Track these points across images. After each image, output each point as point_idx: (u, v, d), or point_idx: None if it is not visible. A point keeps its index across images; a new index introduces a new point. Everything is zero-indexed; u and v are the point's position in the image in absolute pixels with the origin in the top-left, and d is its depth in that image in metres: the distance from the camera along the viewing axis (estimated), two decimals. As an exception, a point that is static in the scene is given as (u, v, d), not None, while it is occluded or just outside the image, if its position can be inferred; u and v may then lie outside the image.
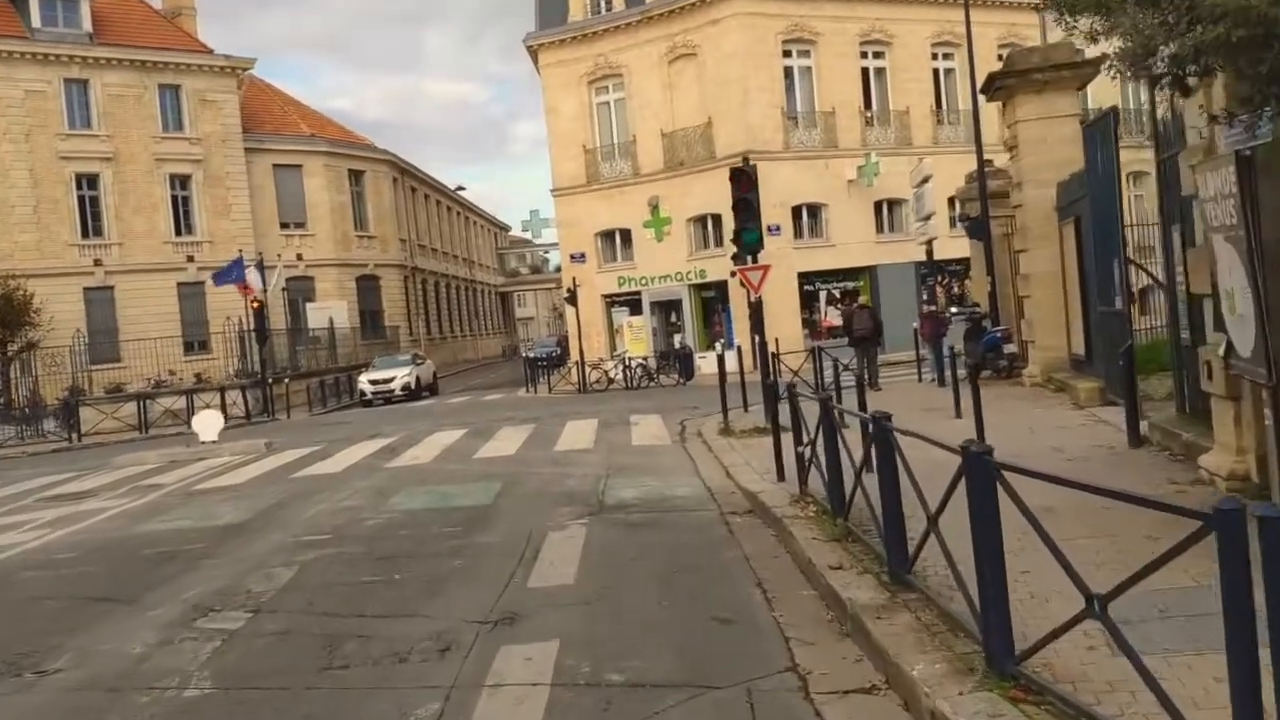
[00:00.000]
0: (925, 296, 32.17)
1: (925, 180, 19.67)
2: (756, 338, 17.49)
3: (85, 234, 40.57)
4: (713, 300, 32.52)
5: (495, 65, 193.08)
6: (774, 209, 30.01)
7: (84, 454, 22.32)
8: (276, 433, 23.50)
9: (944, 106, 34.38)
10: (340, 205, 47.78)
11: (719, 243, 31.59)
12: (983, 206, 20.79)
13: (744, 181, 15.91)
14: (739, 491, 10.86)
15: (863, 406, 11.12)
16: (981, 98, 19.23)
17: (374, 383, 34.46)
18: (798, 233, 31.46)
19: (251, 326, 33.75)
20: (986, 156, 21.21)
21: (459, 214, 65.90)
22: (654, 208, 32.23)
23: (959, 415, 13.84)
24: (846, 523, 7.73)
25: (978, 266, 22.69)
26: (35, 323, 36.32)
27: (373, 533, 9.72)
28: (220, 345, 38.85)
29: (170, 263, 42.03)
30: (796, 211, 31.36)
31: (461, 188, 54.77)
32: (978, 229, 21.66)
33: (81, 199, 40.52)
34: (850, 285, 32.46)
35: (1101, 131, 12.64)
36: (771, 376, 16.19)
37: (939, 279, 33.51)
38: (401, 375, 34.56)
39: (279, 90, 50.04)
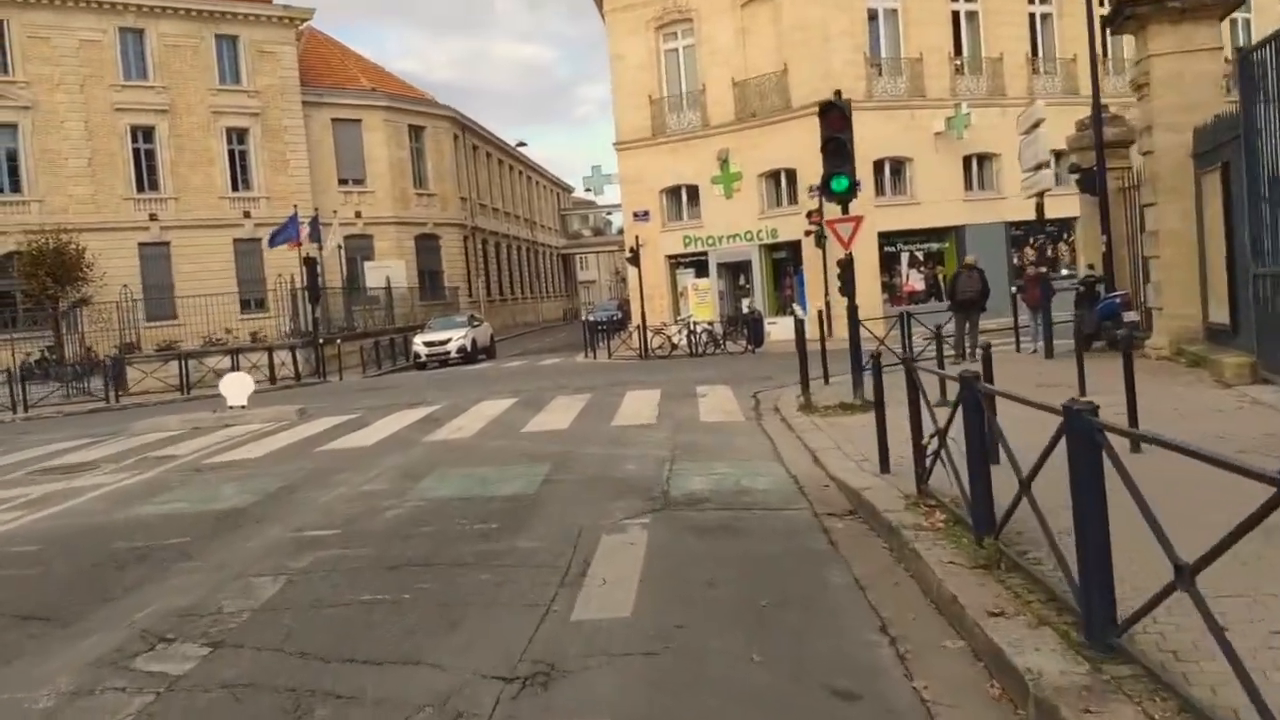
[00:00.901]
0: (1023, 260, 29.68)
1: (1037, 124, 17.27)
2: (827, 302, 15.30)
3: (140, 188, 39.64)
4: (784, 262, 30.33)
5: (561, 26, 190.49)
6: (854, 163, 27.71)
7: (119, 416, 21.04)
8: (320, 397, 22.02)
9: (1040, 54, 31.59)
10: (400, 161, 46.33)
11: (792, 200, 29.40)
12: (1098, 155, 18.33)
13: (836, 118, 13.80)
14: (833, 484, 8.90)
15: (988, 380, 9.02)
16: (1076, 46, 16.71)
17: (429, 345, 32.99)
18: (879, 189, 29.08)
19: (303, 284, 32.39)
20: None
21: (521, 173, 64.19)
22: (723, 162, 30.05)
23: (1083, 393, 11.74)
24: (998, 542, 5.74)
25: (1090, 224, 20.25)
26: (87, 278, 35.46)
27: (390, 529, 7.95)
28: (275, 304, 37.61)
29: (226, 218, 41.01)
30: (878, 166, 28.96)
31: (523, 143, 52.96)
32: (1090, 182, 19.21)
33: (136, 152, 39.55)
34: (935, 246, 30.04)
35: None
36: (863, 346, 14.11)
37: (1032, 240, 30.97)
38: (457, 337, 33.03)
39: (338, 43, 48.58)
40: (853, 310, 14.04)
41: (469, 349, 32.98)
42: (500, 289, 56.33)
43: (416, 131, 47.71)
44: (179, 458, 12.54)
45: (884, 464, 8.83)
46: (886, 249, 29.23)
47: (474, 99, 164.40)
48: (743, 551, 6.81)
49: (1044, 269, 18.62)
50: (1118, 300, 17.26)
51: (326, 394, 22.83)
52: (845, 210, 14.22)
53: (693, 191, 31.22)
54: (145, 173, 39.80)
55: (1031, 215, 30.92)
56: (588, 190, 37.99)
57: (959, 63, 30.38)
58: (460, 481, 9.68)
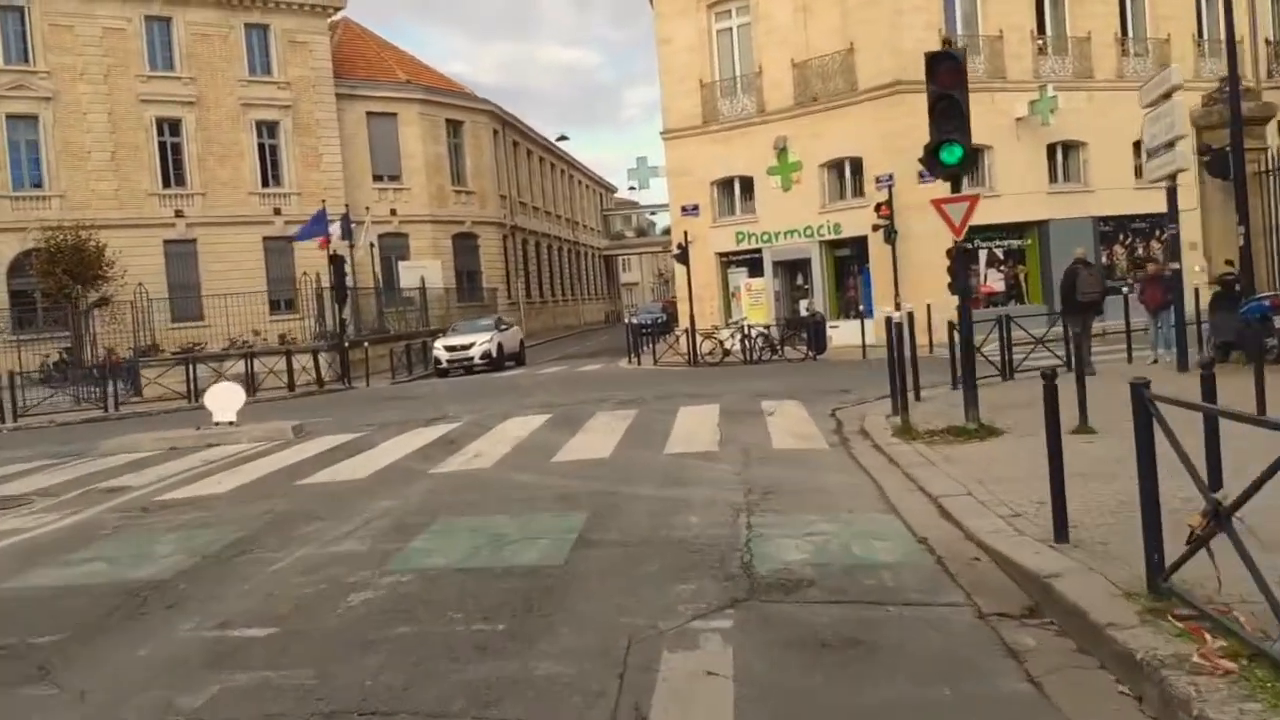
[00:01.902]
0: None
1: (1169, 94, 14.33)
2: (898, 304, 12.57)
3: (166, 183, 37.67)
4: (847, 260, 27.50)
5: (606, 30, 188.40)
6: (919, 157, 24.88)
7: (113, 427, 18.76)
8: (334, 408, 19.61)
9: (1129, 34, 28.52)
10: (437, 157, 44.07)
11: (857, 191, 26.59)
12: (1234, 133, 15.38)
13: (947, 71, 11.03)
14: (985, 556, 6.23)
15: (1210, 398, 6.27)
16: None
17: (450, 349, 30.18)
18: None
19: (329, 284, 30.15)
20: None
21: (563, 171, 61.78)
22: (781, 151, 27.31)
23: (1262, 412, 8.98)
24: None
25: (1219, 214, 17.29)
26: (107, 276, 33.46)
27: (348, 628, 5.36)
28: (305, 305, 35.39)
29: (256, 215, 38.94)
30: (953, 155, 26.02)
31: (564, 137, 50.55)
32: (1222, 164, 16.27)
33: (162, 145, 37.57)
34: (1015, 243, 27.06)
35: None
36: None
37: (1122, 238, 27.97)
38: (481, 341, 30.16)
39: (374, 35, 46.44)
40: (965, 310, 11.27)
41: (495, 355, 30.26)
42: (540, 290, 53.92)
43: (454, 126, 45.43)
44: (131, 491, 10.08)
45: (1060, 528, 6.10)
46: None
47: (519, 102, 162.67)
48: (893, 699, 4.15)
49: (1174, 265, 15.68)
50: (1267, 303, 14.35)
51: (343, 404, 20.43)
52: (957, 187, 11.49)
53: (746, 183, 28.48)
54: (171, 167, 37.82)
55: (1124, 209, 28.13)
56: (631, 188, 35.65)
57: (1041, 42, 27.39)
58: (465, 540, 7.08)
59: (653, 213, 71.51)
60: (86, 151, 36.23)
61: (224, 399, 13.36)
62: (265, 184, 39.44)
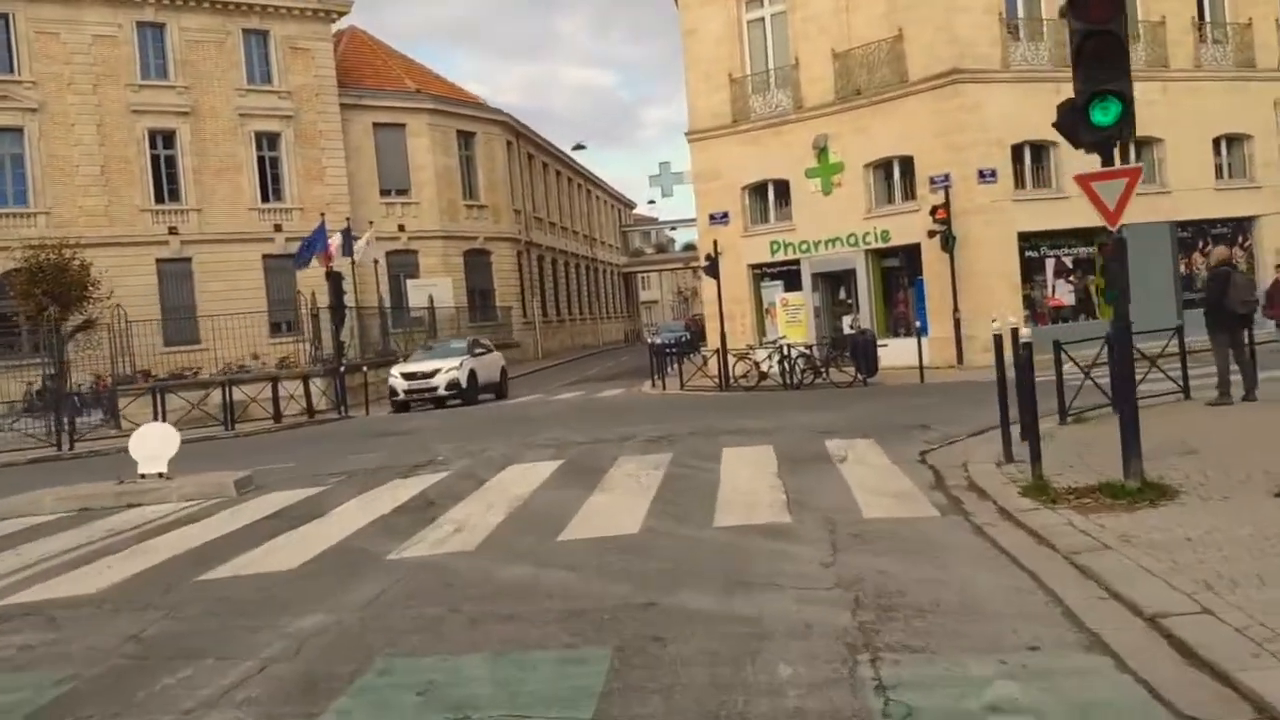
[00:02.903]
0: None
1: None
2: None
3: (159, 198, 35.15)
4: (896, 271, 24.45)
5: (625, 50, 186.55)
6: (988, 147, 21.99)
7: (55, 471, 15.93)
8: (314, 444, 16.72)
9: (1207, 19, 25.48)
10: (447, 170, 41.38)
11: (908, 194, 23.58)
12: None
13: (1101, 2, 8.06)
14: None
15: None
16: None
17: (410, 378, 24.83)
18: (1018, 180, 23.10)
19: (325, 304, 27.37)
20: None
21: (580, 186, 59.04)
22: (820, 151, 24.34)
23: None
24: None
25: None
26: (90, 297, 30.79)
27: None
28: (299, 326, 32.59)
29: (255, 232, 36.33)
30: (1017, 152, 22.98)
31: (580, 146, 47.79)
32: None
33: (155, 159, 35.06)
34: (1085, 251, 23.94)
35: None
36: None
37: (1201, 246, 24.83)
38: (448, 368, 24.56)
39: (382, 43, 43.90)
40: (1123, 328, 8.18)
41: (465, 385, 24.63)
42: (557, 309, 51.06)
43: (466, 138, 42.77)
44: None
45: None
46: (1028, 253, 23.20)
47: (537, 122, 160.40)
48: None
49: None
50: None
51: (324, 440, 17.53)
52: (1110, 157, 8.47)
53: (782, 188, 25.50)
54: (165, 181, 35.31)
55: (1204, 213, 25.02)
56: (651, 203, 33.07)
57: (1110, 27, 24.33)
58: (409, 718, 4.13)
59: (673, 228, 68.62)
60: (74, 165, 33.76)
61: (153, 445, 10.46)
62: (265, 199, 36.88)
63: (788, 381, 21.56)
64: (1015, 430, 9.89)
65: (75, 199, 33.73)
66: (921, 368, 20.51)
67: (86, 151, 33.84)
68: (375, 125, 39.65)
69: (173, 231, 35.18)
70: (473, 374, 25.26)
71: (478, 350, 26.81)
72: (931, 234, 22.07)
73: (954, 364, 22.35)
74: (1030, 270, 23.28)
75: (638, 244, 69.69)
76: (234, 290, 34.80)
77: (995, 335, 10.24)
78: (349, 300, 30.58)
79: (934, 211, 21.89)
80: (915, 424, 12.92)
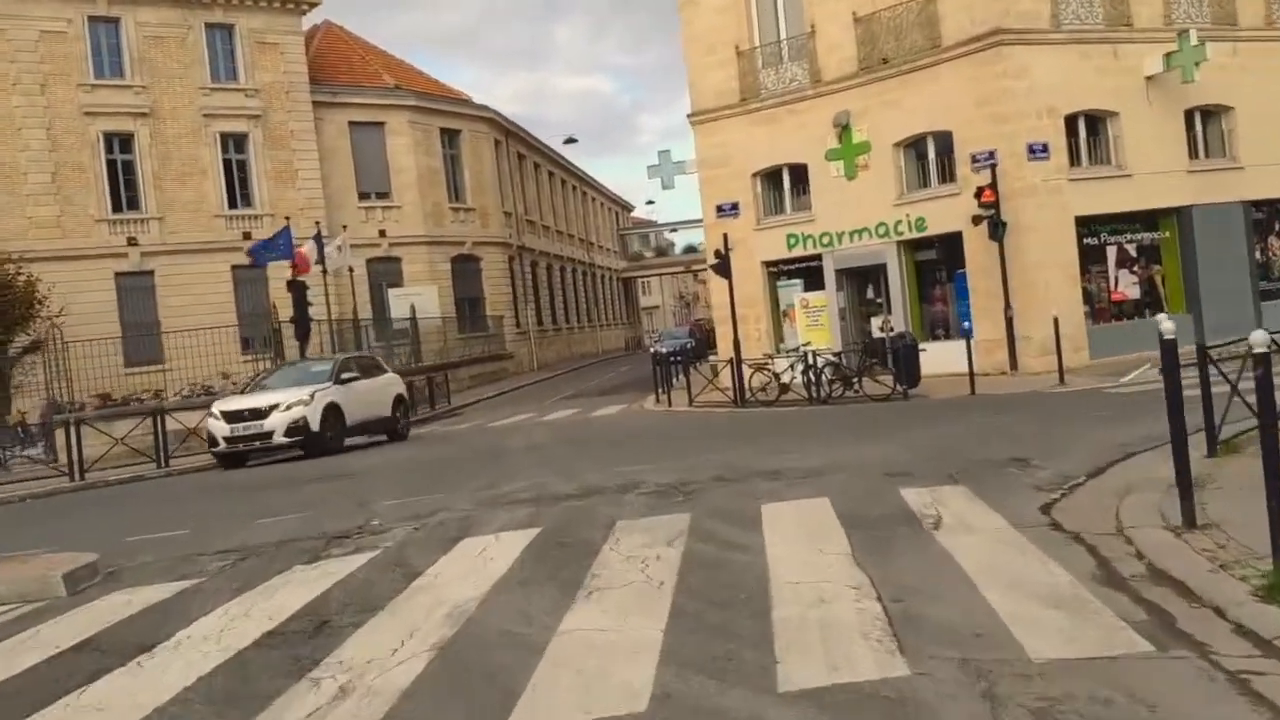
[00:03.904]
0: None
1: None
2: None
3: (117, 207, 31.91)
4: (932, 265, 21.16)
5: (621, 58, 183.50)
6: (1038, 119, 18.67)
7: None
8: (238, 493, 13.41)
9: (1276, -31, 22.24)
10: (430, 171, 38.11)
11: (946, 176, 20.28)
12: None
13: None
14: None
15: None
16: None
17: (234, 419, 17.41)
18: (1073, 156, 19.82)
19: (282, 318, 24.15)
20: None
21: (574, 187, 55.75)
22: (843, 129, 21.06)
23: None
24: None
25: None
26: (35, 315, 27.58)
27: None
28: (284, 342, 29.17)
29: (222, 241, 33.04)
30: (1071, 124, 19.71)
31: (572, 139, 44.43)
32: None
33: (111, 164, 31.82)
34: (1148, 237, 20.66)
35: None
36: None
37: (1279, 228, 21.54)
38: (291, 402, 17.36)
39: (358, 38, 40.64)
40: None
41: (314, 426, 17.30)
42: (553, 317, 47.74)
43: (450, 136, 39.48)
44: None
45: None
46: (1086, 240, 19.91)
47: (533, 129, 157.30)
48: None
49: None
50: None
51: (259, 483, 14.20)
52: None
53: (799, 173, 22.18)
54: (122, 189, 32.08)
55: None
56: (650, 203, 30.25)
57: (1171, -20, 21.10)
58: None
59: (673, 230, 65.49)
60: (22, 173, 30.54)
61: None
62: (233, 205, 33.65)
63: (814, 395, 18.28)
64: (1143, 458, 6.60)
65: (23, 209, 30.52)
66: (972, 375, 17.21)
67: (35, 157, 30.63)
68: (351, 124, 36.42)
69: (132, 242, 31.96)
70: (333, 411, 17.77)
71: (348, 375, 18.94)
72: (977, 220, 18.77)
73: (1006, 369, 19.06)
74: (1087, 260, 19.98)
75: (637, 248, 66.48)
76: (200, 304, 31.54)
77: (1165, 336, 6.82)
78: (318, 312, 27.43)
79: (979, 193, 18.60)
80: (1006, 457, 9.61)
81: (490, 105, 41.64)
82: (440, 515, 8.81)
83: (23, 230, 30.18)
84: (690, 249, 63.76)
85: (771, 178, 22.69)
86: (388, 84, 37.54)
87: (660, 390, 22.31)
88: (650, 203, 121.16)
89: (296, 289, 23.76)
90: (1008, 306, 18.80)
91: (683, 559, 6.46)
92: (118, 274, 31.72)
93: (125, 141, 32.09)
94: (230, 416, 17.47)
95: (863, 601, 5.35)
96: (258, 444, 17.37)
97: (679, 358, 29.87)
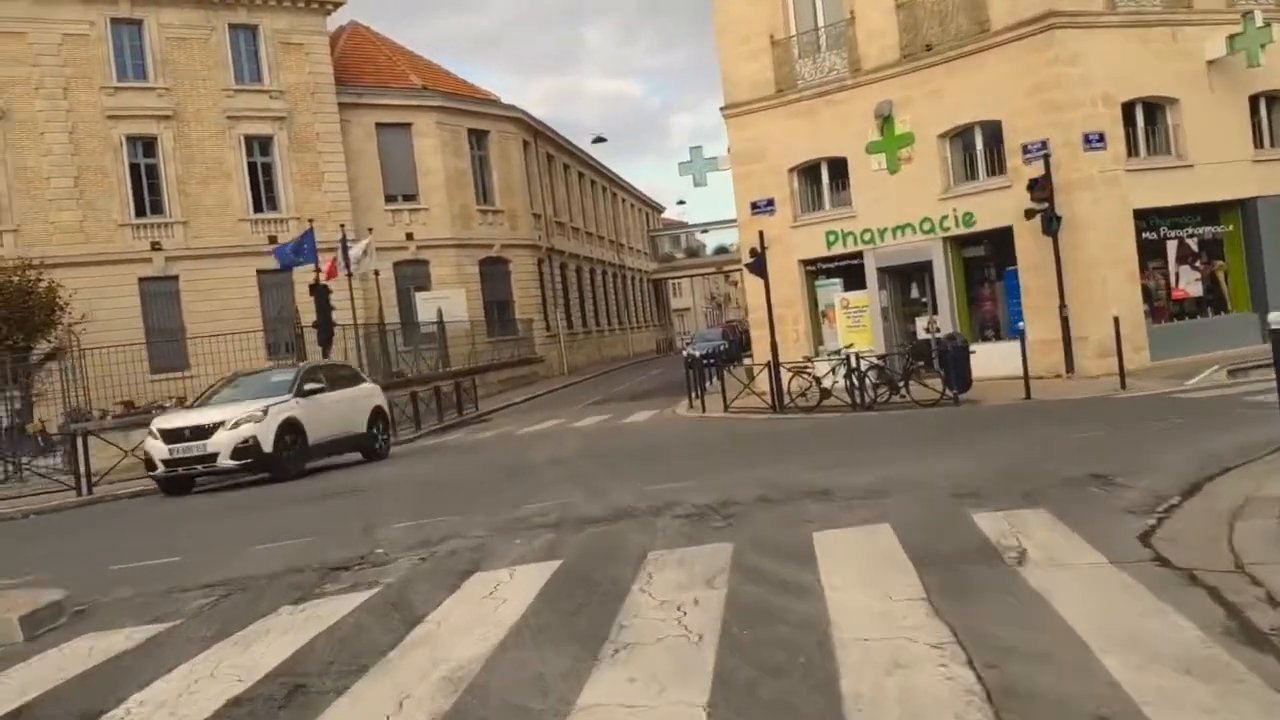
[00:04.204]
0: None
1: None
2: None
3: (140, 211, 31.37)
4: (980, 262, 20.02)
5: (651, 60, 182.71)
6: (1093, 107, 17.45)
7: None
8: (241, 513, 12.55)
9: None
10: (458, 173, 37.35)
11: (995, 169, 19.13)
12: None
13: None
14: None
15: None
16: None
17: (170, 438, 15.11)
18: (1131, 146, 18.60)
19: (305, 323, 23.43)
20: None
21: (604, 189, 54.88)
22: (885, 120, 19.98)
23: None
24: None
25: None
26: (56, 321, 27.04)
27: None
28: (308, 346, 28.41)
29: (248, 245, 32.40)
30: (1128, 111, 18.50)
31: (601, 138, 43.39)
32: None
33: (135, 168, 31.30)
34: (1210, 231, 19.38)
35: None
36: None
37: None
38: (239, 422, 15.02)
39: (385, 38, 39.99)
40: None
41: (268, 446, 15.03)
42: (583, 320, 46.86)
43: (478, 137, 38.73)
44: None
45: None
46: (1145, 235, 18.68)
47: (565, 132, 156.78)
48: None
49: None
50: None
51: (263, 502, 13.33)
52: None
53: (838, 167, 21.10)
54: (146, 193, 31.55)
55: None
56: (680, 203, 29.04)
57: (1233, -42, 19.80)
58: None
59: (704, 230, 64.44)
60: (44, 178, 30.08)
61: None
62: (258, 209, 33.04)
63: (857, 400, 17.19)
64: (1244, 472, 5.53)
65: (46, 214, 30.06)
66: (1027, 379, 16.05)
67: (57, 162, 30.16)
68: (378, 126, 35.73)
69: (156, 247, 31.42)
70: (290, 428, 15.42)
71: (312, 386, 16.31)
72: (1029, 214, 17.60)
73: (1061, 372, 17.88)
74: (1145, 256, 18.74)
75: (667, 249, 65.45)
76: (226, 309, 30.98)
77: (1275, 326, 5.73)
78: (344, 317, 26.75)
79: (1033, 186, 17.43)
80: (1084, 473, 8.51)
81: (518, 106, 40.78)
82: (451, 543, 7.86)
83: (45, 236, 29.73)
84: (722, 250, 62.71)
85: (809, 173, 21.62)
86: (414, 84, 36.84)
87: (694, 395, 21.32)
88: (681, 203, 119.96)
89: (319, 293, 23.05)
90: (1063, 305, 17.62)
91: (726, 604, 5.46)
92: (141, 279, 31.20)
93: (148, 145, 31.59)
94: (169, 436, 15.00)
95: (950, 666, 4.33)
96: (199, 468, 15.04)
97: (712, 360, 28.87)
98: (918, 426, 13.83)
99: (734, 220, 24.48)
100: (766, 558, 6.44)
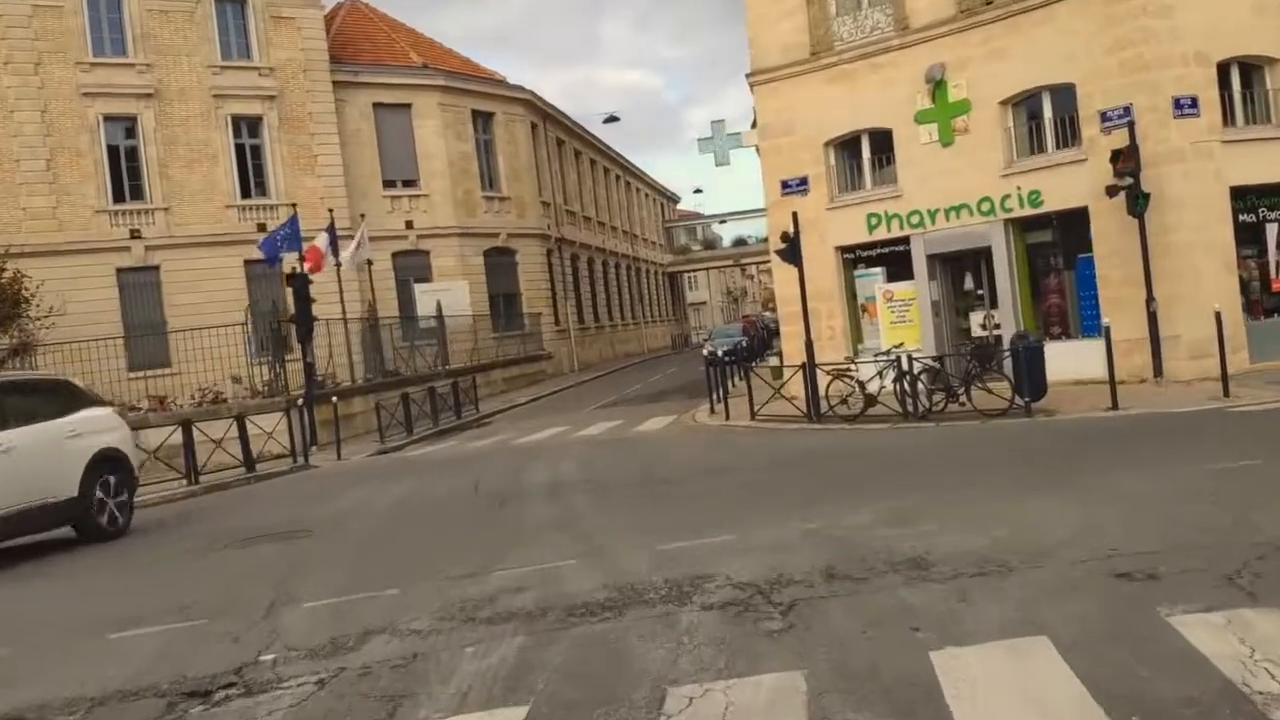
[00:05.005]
0: None
1: None
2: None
3: (119, 197, 28.92)
4: (1047, 248, 17.26)
5: (668, 50, 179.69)
6: (1184, 66, 14.69)
7: None
8: (154, 558, 10.01)
9: None
10: (462, 157, 34.75)
11: (1065, 139, 16.38)
12: None
13: None
14: None
15: None
16: None
17: None
18: (1227, 113, 15.80)
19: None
20: None
21: (618, 177, 52.17)
22: (937, 85, 17.23)
23: None
24: None
25: None
26: (24, 314, 24.65)
27: None
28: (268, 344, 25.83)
29: (235, 233, 29.91)
30: (1223, 73, 15.70)
31: (614, 117, 40.66)
32: None
33: (113, 150, 28.85)
34: (1319, 212, 16.59)
35: None
36: None
37: None
38: None
39: (384, 14, 37.35)
40: None
41: None
42: (595, 314, 44.21)
43: (483, 120, 36.08)
44: None
45: None
46: (1242, 217, 15.89)
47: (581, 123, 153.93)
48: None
49: None
50: None
51: (191, 534, 10.81)
52: None
53: (882, 140, 18.30)
54: (125, 176, 29.08)
55: None
56: (697, 191, 26.28)
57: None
58: None
59: (721, 221, 61.66)
60: (14, 160, 27.63)
61: None
62: (246, 194, 30.53)
63: (909, 409, 14.53)
64: None
65: (16, 199, 27.63)
66: (1113, 385, 13.35)
67: (28, 143, 27.70)
68: (376, 106, 33.14)
69: (135, 235, 28.96)
70: None
71: None
72: (1112, 191, 14.84)
73: (1146, 376, 15.17)
74: (1245, 238, 15.97)
75: (683, 241, 62.71)
76: (211, 302, 28.39)
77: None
78: (333, 311, 24.27)
79: (1116, 158, 14.69)
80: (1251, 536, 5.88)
81: (526, 86, 38.15)
82: (375, 645, 5.26)
83: (15, 222, 27.33)
84: (739, 241, 59.93)
85: (848, 147, 18.84)
86: (415, 63, 34.26)
87: (715, 396, 18.70)
88: (698, 191, 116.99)
89: (297, 283, 20.54)
90: (1151, 299, 14.90)
91: None
92: (120, 270, 28.78)
93: (128, 125, 29.13)
94: None
95: None
96: None
97: (732, 358, 26.30)
98: (998, 446, 11.17)
99: (753, 210, 21.90)
100: (867, 711, 3.82)
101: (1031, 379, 13.71)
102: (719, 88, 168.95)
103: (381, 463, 16.95)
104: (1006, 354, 14.09)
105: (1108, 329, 13.68)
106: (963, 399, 14.41)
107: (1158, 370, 15.02)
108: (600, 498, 9.65)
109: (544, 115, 39.83)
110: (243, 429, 16.83)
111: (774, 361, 24.09)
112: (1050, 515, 6.96)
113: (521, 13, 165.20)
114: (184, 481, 15.44)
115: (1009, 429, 12.63)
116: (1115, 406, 13.24)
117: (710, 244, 62.49)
